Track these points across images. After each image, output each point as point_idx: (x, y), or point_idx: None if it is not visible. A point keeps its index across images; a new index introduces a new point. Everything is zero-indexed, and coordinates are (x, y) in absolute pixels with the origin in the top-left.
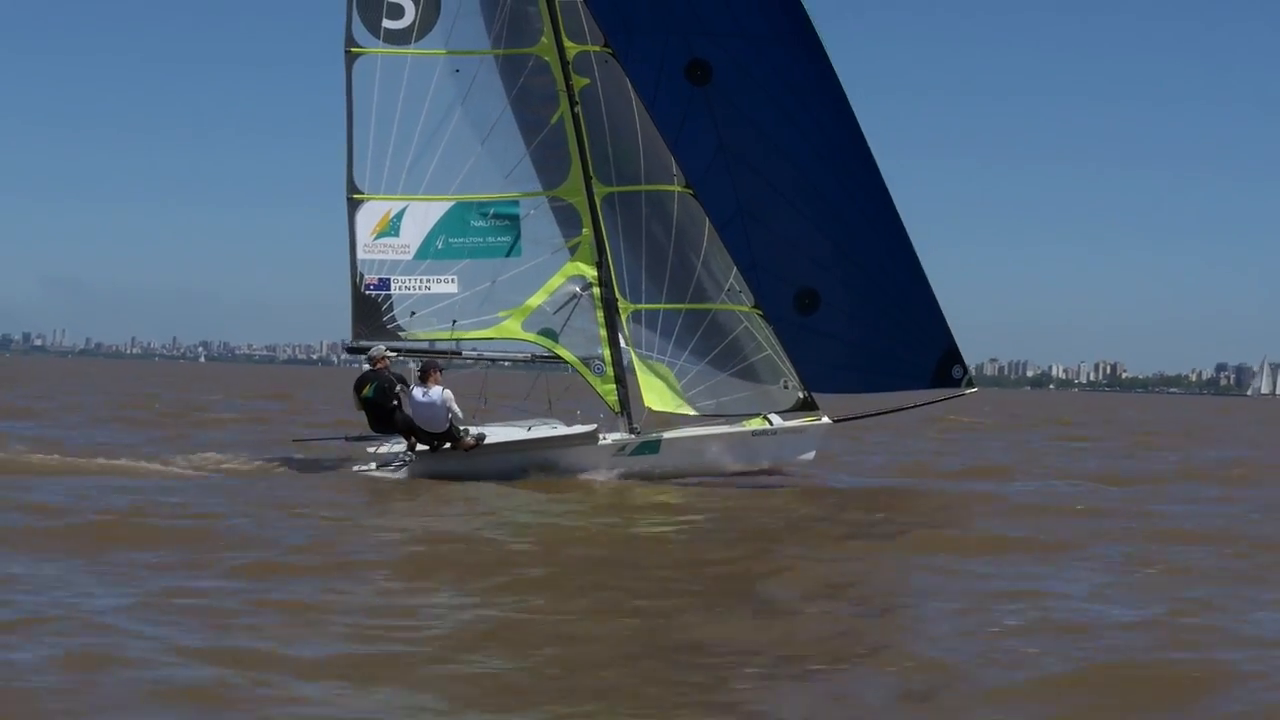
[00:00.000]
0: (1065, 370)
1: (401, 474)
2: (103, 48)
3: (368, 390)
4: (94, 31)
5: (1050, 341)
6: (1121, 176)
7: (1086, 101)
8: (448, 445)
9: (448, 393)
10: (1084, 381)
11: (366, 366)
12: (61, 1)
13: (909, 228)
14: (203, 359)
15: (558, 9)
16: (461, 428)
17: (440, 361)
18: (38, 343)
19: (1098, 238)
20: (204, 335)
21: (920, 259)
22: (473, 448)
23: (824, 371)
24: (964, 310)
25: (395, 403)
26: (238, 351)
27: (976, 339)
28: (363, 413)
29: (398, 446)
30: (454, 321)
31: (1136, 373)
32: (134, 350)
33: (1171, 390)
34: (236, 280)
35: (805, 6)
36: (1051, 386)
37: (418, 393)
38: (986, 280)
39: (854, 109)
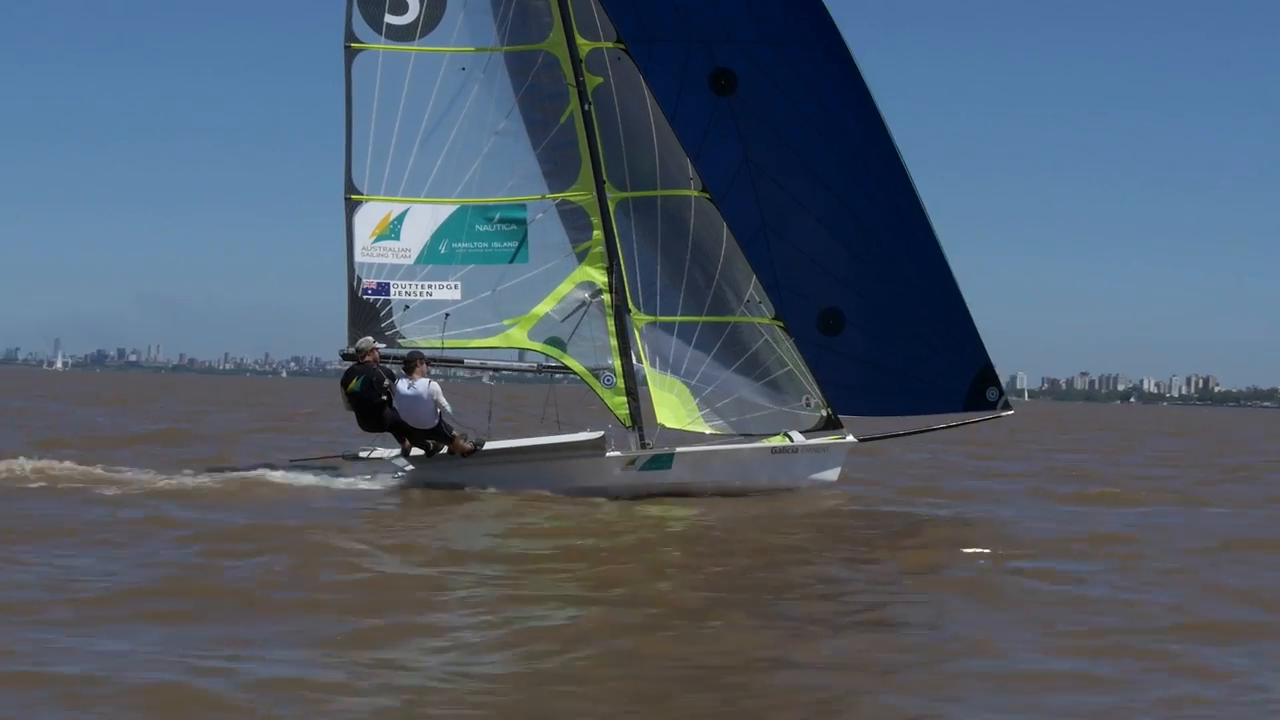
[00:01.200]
0: (1157, 384)
1: (396, 483)
2: (195, 64)
3: (354, 384)
4: (192, 47)
5: (1142, 355)
6: (1216, 191)
7: (1184, 117)
8: (444, 450)
9: (434, 385)
10: (1175, 395)
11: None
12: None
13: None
14: (284, 374)
15: (569, 3)
16: (453, 427)
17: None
18: (132, 358)
19: (1191, 252)
20: (294, 351)
21: (958, 277)
22: (470, 453)
23: (847, 395)
24: (1054, 324)
25: (384, 398)
26: (328, 367)
27: (1066, 353)
28: (352, 412)
29: (390, 451)
30: (445, 321)
31: (1229, 386)
32: (226, 365)
33: (1265, 404)
34: (323, 295)
35: (830, 12)
36: (1133, 399)
37: (402, 385)
38: (1077, 294)
39: (889, 118)
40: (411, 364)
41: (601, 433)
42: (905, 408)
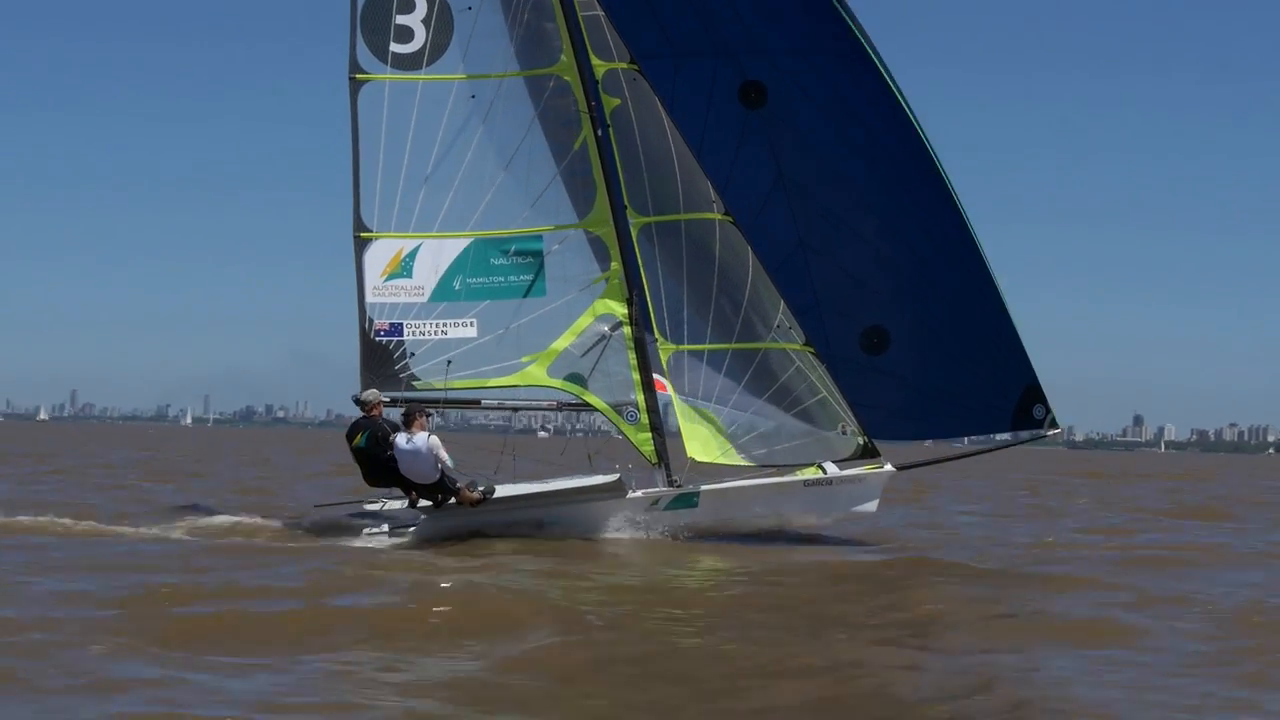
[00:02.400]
0: None
1: (408, 537)
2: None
3: (359, 439)
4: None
5: None
6: None
7: None
8: (452, 500)
9: (434, 439)
10: None
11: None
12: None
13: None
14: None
15: (580, 24)
16: (457, 479)
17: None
18: (280, 414)
19: None
20: None
21: (1003, 293)
22: (479, 502)
23: (892, 417)
24: (1200, 374)
25: (390, 452)
26: (473, 422)
27: (1213, 404)
28: (358, 466)
29: (398, 503)
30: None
31: None
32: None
33: None
34: None
35: (858, 22)
36: (1271, 451)
37: (400, 439)
38: (1226, 345)
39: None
40: (410, 417)
41: (618, 475)
42: (951, 430)
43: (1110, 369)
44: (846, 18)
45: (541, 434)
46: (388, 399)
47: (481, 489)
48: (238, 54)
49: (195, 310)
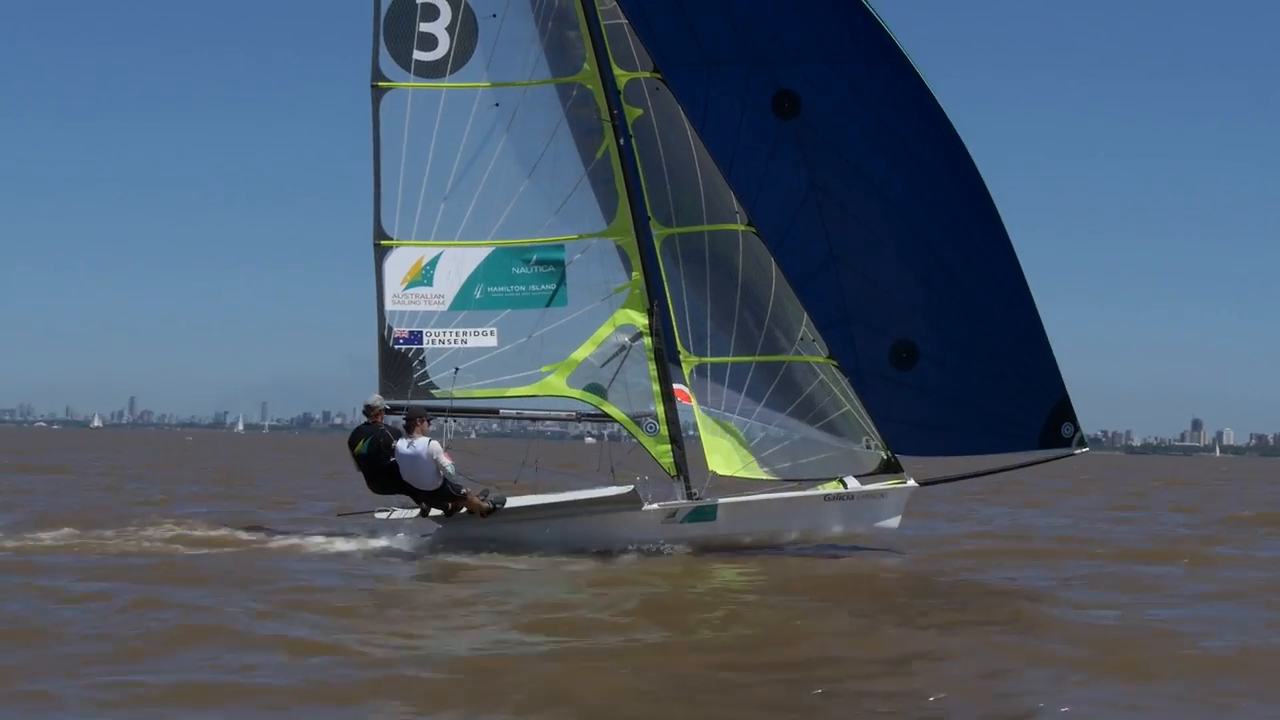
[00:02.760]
0: None
1: (423, 544)
2: None
3: (361, 446)
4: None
5: None
6: None
7: None
8: (464, 510)
9: (434, 444)
10: None
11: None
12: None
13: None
14: (473, 435)
15: (603, 32)
16: (461, 485)
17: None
18: (337, 420)
19: None
20: None
21: (1039, 304)
22: (489, 512)
23: (920, 432)
24: (1259, 379)
25: (393, 459)
26: (529, 428)
27: (1273, 409)
28: (361, 474)
29: (409, 512)
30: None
31: None
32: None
33: None
34: None
35: (894, 32)
36: None
37: (401, 444)
38: None
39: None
40: (411, 422)
41: (632, 485)
42: (979, 446)
43: (1168, 374)
44: (878, 24)
45: (589, 440)
46: (387, 406)
47: (491, 500)
48: (285, 58)
49: (254, 316)
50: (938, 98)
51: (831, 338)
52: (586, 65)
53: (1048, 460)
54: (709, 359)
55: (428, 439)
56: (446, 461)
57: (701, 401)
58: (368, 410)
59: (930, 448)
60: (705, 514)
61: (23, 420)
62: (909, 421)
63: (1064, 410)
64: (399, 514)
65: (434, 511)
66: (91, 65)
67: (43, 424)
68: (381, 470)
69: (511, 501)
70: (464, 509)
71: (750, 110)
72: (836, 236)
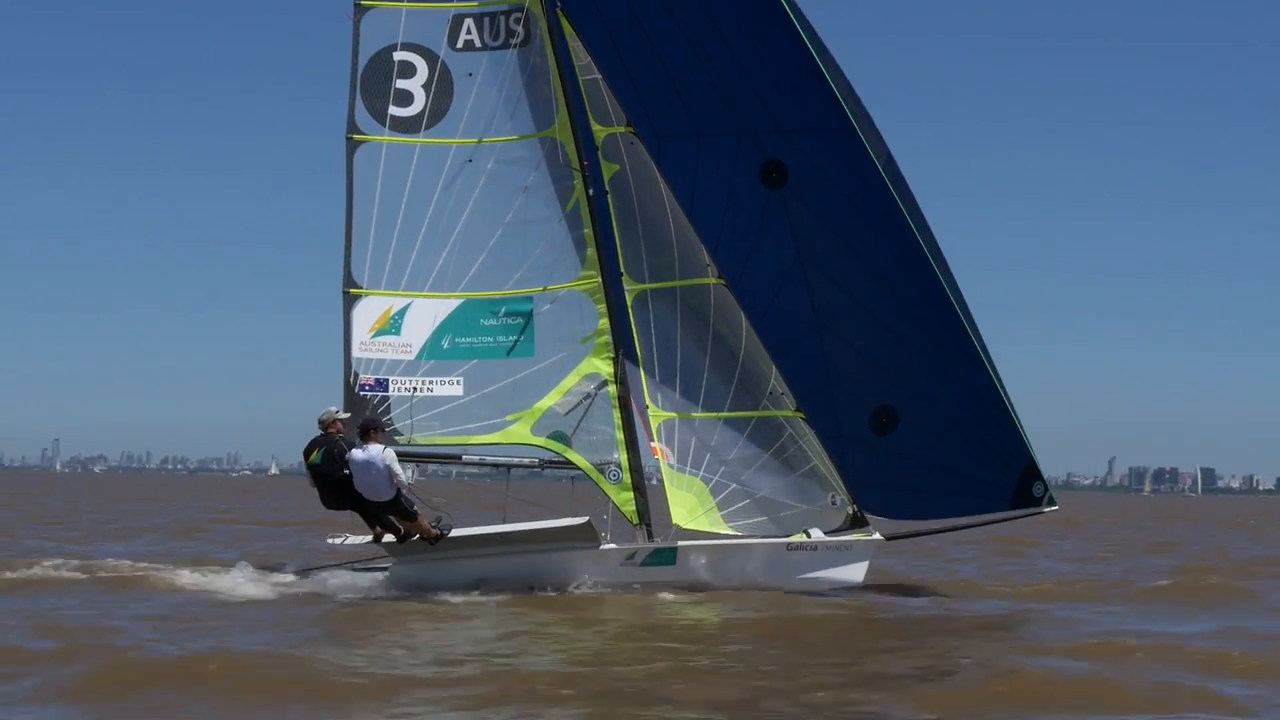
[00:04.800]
0: None
1: (376, 581)
2: None
3: (315, 455)
4: None
5: None
6: None
7: None
8: (415, 536)
9: (389, 451)
10: None
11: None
12: None
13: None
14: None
15: (582, 86)
16: (415, 501)
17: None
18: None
19: None
20: None
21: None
22: (439, 539)
23: (900, 496)
24: None
25: (347, 471)
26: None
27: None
28: (315, 488)
29: (361, 539)
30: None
31: None
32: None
33: None
34: None
35: (862, 106)
36: None
37: (356, 452)
38: None
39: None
40: (366, 431)
41: (587, 517)
42: (955, 508)
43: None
44: (843, 96)
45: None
46: (343, 418)
47: (441, 526)
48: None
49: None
50: (893, 170)
51: (813, 404)
52: (558, 118)
53: (1014, 518)
54: (676, 414)
55: (382, 446)
56: (400, 470)
57: (667, 457)
58: (321, 423)
59: (908, 511)
60: (664, 557)
61: None
62: (888, 485)
63: (1032, 471)
64: (351, 541)
65: (386, 538)
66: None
67: None
68: (334, 482)
69: (459, 531)
70: (415, 534)
71: (739, 181)
72: (821, 303)
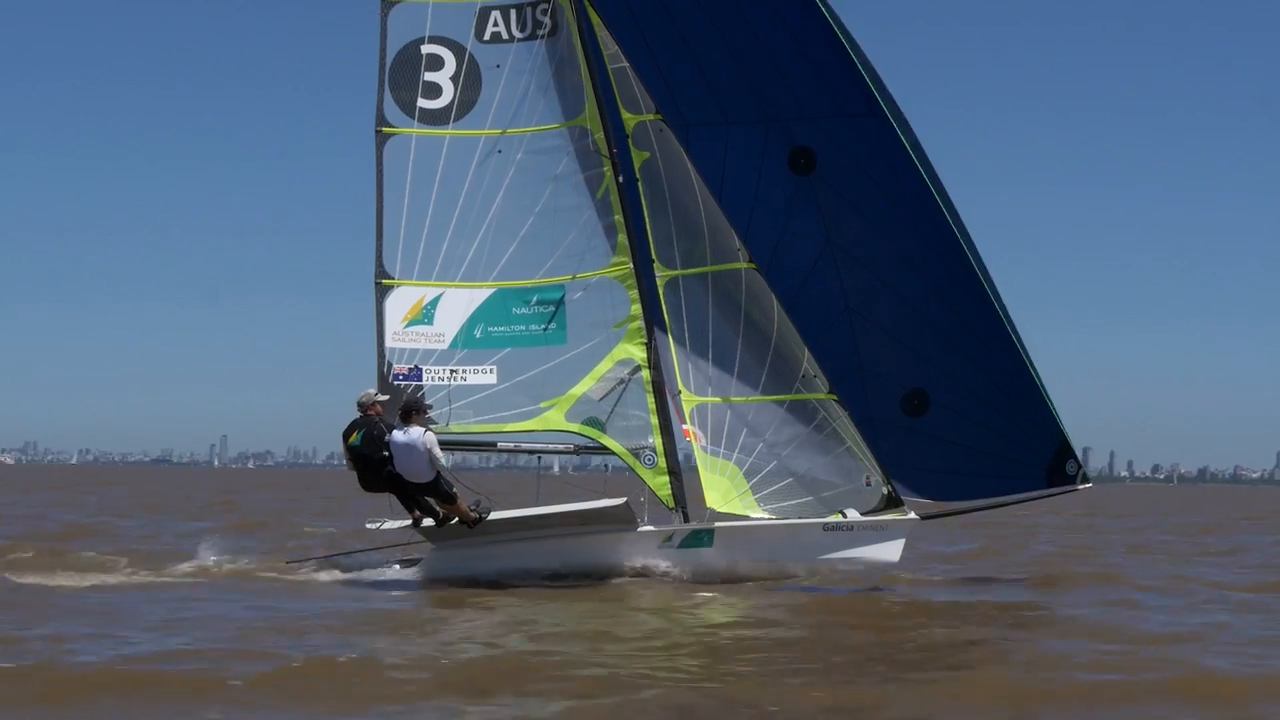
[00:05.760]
0: None
1: (415, 573)
2: None
3: (355, 438)
4: None
5: None
6: None
7: None
8: (454, 520)
9: (429, 434)
10: None
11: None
12: None
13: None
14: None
15: (610, 75)
16: (453, 484)
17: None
18: None
19: None
20: None
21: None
22: (477, 522)
23: (932, 478)
24: None
25: (386, 453)
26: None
27: None
28: (353, 470)
29: (399, 523)
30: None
31: None
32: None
33: None
34: None
35: (889, 92)
36: None
37: (397, 433)
38: None
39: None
40: (408, 412)
41: (624, 498)
42: (991, 489)
43: None
44: (877, 76)
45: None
46: (382, 399)
47: (480, 510)
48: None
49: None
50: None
51: (845, 387)
52: (588, 107)
53: (1051, 495)
54: (710, 399)
55: (423, 429)
56: (439, 454)
57: (701, 441)
58: (361, 405)
59: (943, 492)
60: (701, 539)
61: None
62: (921, 468)
63: (1066, 450)
64: (389, 525)
65: (426, 522)
66: (98, 103)
67: None
68: (373, 464)
69: (497, 514)
70: (454, 518)
71: (768, 168)
72: (852, 289)
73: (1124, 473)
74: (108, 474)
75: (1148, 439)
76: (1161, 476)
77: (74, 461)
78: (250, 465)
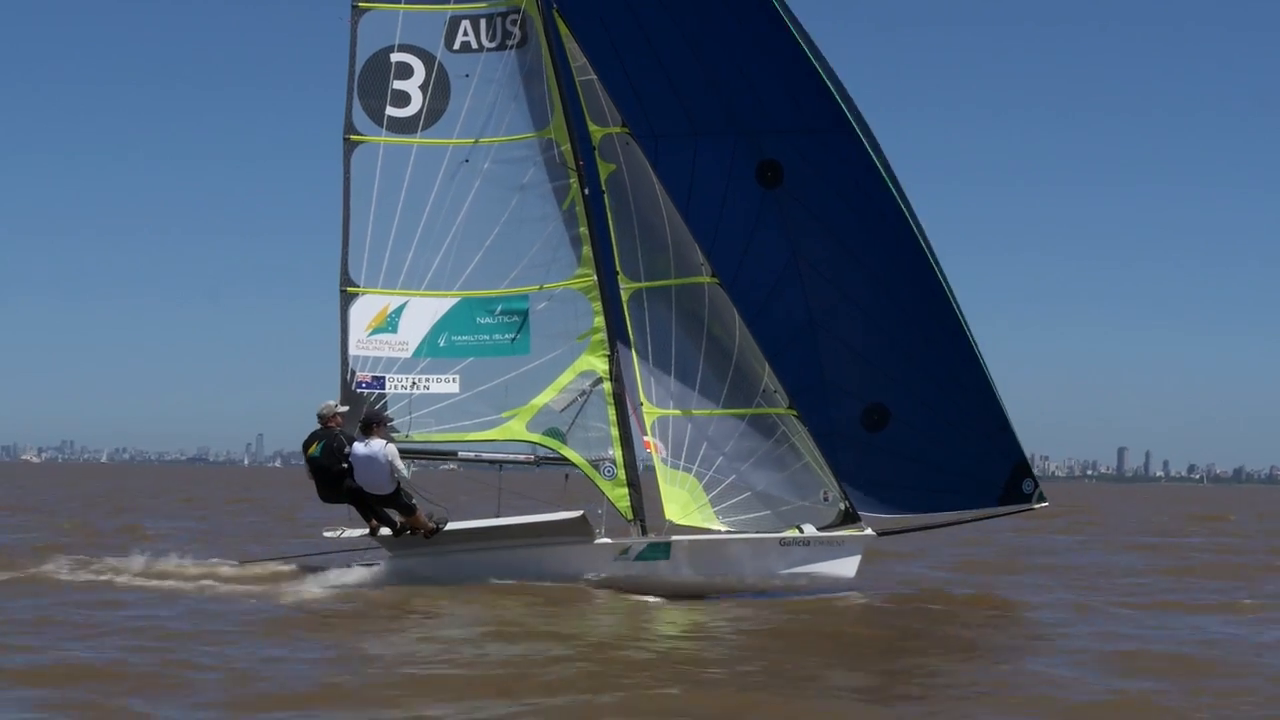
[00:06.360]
0: None
1: (375, 575)
2: None
3: (314, 449)
4: None
5: None
6: None
7: None
8: (409, 532)
9: (391, 446)
10: None
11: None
12: None
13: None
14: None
15: (577, 87)
16: (413, 495)
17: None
18: None
19: None
20: None
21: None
22: (433, 532)
23: (891, 493)
24: None
25: (345, 465)
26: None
27: None
28: (313, 480)
29: (357, 531)
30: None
31: None
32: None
33: None
34: None
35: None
36: None
37: (358, 445)
38: None
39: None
40: (369, 424)
41: (581, 511)
42: (946, 504)
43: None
44: (845, 92)
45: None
46: (341, 411)
47: (436, 520)
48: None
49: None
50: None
51: (806, 401)
52: (554, 119)
53: (1006, 514)
54: (671, 412)
55: (384, 441)
56: (401, 465)
57: (661, 453)
58: (320, 418)
59: (901, 507)
60: (658, 551)
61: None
62: (880, 482)
63: (1023, 468)
64: (347, 534)
65: (383, 531)
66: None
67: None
68: (332, 476)
69: (454, 525)
70: (410, 529)
71: (736, 180)
72: (815, 303)
73: (1159, 473)
74: (132, 473)
75: (1186, 439)
76: (1197, 477)
77: (104, 460)
78: (277, 464)
